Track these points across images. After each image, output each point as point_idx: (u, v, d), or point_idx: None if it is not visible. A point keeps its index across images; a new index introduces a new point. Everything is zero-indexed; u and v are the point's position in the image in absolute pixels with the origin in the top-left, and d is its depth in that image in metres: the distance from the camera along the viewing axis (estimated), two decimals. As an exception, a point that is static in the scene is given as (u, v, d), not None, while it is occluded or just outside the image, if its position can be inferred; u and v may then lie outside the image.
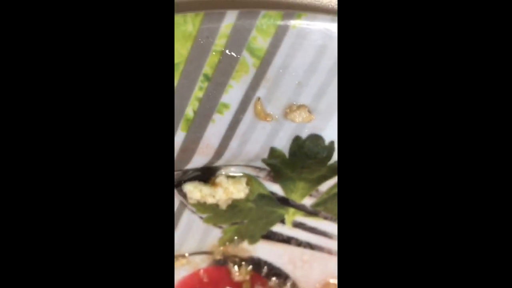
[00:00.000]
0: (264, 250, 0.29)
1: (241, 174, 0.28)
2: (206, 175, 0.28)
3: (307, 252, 0.29)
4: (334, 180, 0.28)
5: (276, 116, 0.25)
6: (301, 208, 0.29)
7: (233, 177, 0.28)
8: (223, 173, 0.28)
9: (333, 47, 0.24)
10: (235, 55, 0.24)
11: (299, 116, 0.25)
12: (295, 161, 0.27)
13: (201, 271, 0.30)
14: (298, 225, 0.29)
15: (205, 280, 0.30)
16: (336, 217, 0.29)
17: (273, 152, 0.27)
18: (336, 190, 0.28)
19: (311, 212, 0.29)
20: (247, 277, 0.30)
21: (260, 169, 0.28)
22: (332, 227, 0.29)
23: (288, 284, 0.30)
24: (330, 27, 0.24)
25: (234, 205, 0.28)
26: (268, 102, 0.25)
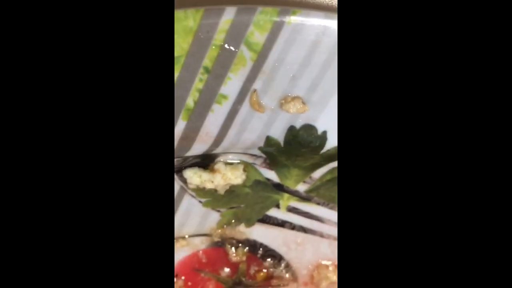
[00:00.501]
0: (260, 233, 0.30)
1: (239, 161, 0.28)
2: (206, 161, 0.28)
3: (301, 235, 0.30)
4: (326, 168, 0.28)
5: (272, 107, 0.25)
6: (295, 194, 0.29)
7: (231, 164, 0.28)
8: (222, 160, 0.28)
9: (326, 42, 0.24)
10: (233, 49, 0.24)
11: (294, 107, 0.25)
12: (290, 149, 0.27)
13: (200, 252, 0.30)
14: (292, 210, 0.29)
15: (204, 260, 0.30)
16: (328, 202, 0.29)
17: (269, 140, 0.27)
18: (328, 177, 0.28)
19: (305, 198, 0.29)
20: (244, 258, 0.30)
21: (256, 156, 0.28)
22: (324, 212, 0.29)
23: (282, 265, 0.30)
24: (323, 23, 0.24)
25: (232, 190, 0.28)
26: (265, 93, 0.25)
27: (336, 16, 0.24)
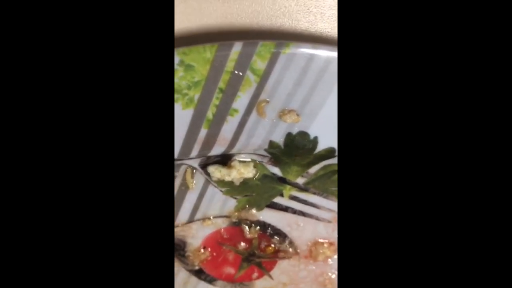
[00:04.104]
0: (268, 216, 0.31)
1: (250, 160, 0.29)
2: (224, 160, 0.29)
3: (301, 218, 0.31)
4: (319, 165, 0.29)
5: (273, 118, 0.27)
6: (295, 185, 0.30)
7: (244, 161, 0.29)
8: (237, 158, 0.29)
9: (313, 68, 0.25)
10: (241, 74, 0.26)
11: (290, 118, 0.27)
12: (289, 150, 0.28)
13: (222, 229, 0.31)
14: (293, 198, 0.30)
15: (225, 236, 0.32)
16: (322, 192, 0.30)
17: (271, 144, 0.28)
18: (321, 172, 0.29)
19: (303, 189, 0.30)
20: (256, 235, 0.31)
21: (263, 156, 0.29)
22: (319, 200, 0.30)
23: (287, 241, 0.31)
24: (310, 52, 0.25)
25: (245, 182, 0.30)
26: (267, 107, 0.27)
27: (320, 46, 0.25)
